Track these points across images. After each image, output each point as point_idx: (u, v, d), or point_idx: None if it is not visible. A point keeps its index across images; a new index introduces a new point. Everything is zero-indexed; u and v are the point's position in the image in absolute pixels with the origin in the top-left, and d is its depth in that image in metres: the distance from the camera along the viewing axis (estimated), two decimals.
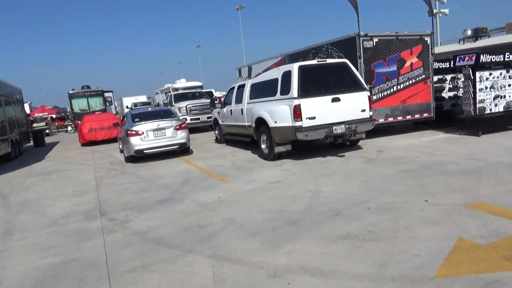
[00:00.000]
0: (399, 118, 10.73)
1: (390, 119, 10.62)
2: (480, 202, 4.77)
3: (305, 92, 8.08)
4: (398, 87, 10.70)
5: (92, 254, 4.23)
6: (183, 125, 10.64)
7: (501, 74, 10.22)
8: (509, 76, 10.35)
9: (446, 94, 12.02)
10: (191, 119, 16.55)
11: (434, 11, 33.13)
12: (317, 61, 8.84)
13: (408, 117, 10.84)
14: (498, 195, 4.96)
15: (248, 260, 3.71)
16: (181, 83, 31.69)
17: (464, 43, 29.77)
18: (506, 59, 10.20)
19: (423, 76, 11.00)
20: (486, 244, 3.60)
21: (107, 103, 29.33)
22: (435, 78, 11.60)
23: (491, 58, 9.99)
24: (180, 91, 22.70)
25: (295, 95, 8.02)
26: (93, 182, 8.35)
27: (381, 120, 10.48)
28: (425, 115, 11.02)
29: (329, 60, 9.13)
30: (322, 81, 8.53)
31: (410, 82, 10.83)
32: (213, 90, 25.90)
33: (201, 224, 4.89)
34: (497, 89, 10.16)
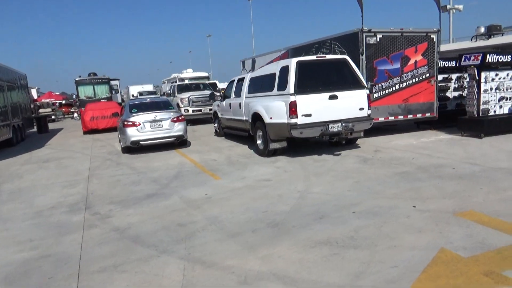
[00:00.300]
0: (400, 117, 10.50)
1: (391, 118, 10.40)
2: (469, 210, 4.61)
3: (302, 88, 7.92)
4: (401, 85, 10.45)
5: (68, 250, 4.18)
6: (180, 117, 10.55)
7: (508, 75, 9.92)
8: None
9: (450, 94, 11.72)
10: (193, 111, 16.48)
11: (448, 6, 32.45)
12: (316, 57, 8.64)
13: (410, 116, 10.60)
14: (490, 203, 4.79)
15: (221, 263, 3.62)
16: (188, 73, 31.58)
17: (476, 41, 29.10)
18: None
19: (427, 74, 10.72)
20: (468, 257, 3.46)
21: (113, 91, 29.32)
22: (440, 77, 11.31)
23: (498, 58, 9.68)
24: (183, 82, 22.59)
25: (292, 91, 7.86)
26: (87, 172, 8.33)
27: (382, 119, 10.27)
28: (428, 115, 10.76)
29: (328, 56, 8.92)
30: (321, 77, 8.34)
31: (414, 80, 10.57)
32: (217, 82, 25.73)
33: (182, 222, 4.81)
34: (503, 90, 9.87)
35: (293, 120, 7.82)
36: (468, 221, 4.28)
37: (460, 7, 32.44)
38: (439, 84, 11.20)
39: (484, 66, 9.58)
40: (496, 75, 9.78)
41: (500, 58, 9.71)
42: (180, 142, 10.73)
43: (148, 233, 4.51)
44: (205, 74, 30.55)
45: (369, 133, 10.06)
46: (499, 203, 4.78)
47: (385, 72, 10.29)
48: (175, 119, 10.38)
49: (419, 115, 10.69)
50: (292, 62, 8.17)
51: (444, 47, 29.87)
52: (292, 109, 7.82)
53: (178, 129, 10.37)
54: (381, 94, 10.26)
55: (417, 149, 8.40)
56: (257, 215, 4.89)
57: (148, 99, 12.16)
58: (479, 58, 9.52)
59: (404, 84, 10.49)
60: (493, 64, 9.69)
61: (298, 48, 13.15)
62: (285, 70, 8.29)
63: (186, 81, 24.15)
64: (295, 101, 7.80)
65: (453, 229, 4.10)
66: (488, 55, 9.51)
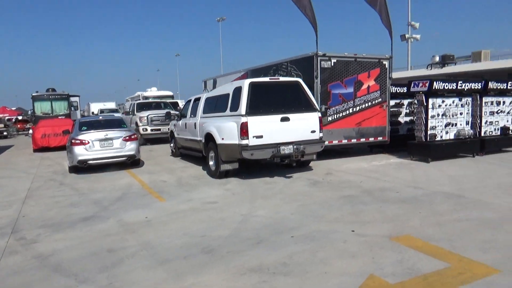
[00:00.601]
0: (354, 140, 10.70)
1: (345, 141, 10.57)
2: (405, 234, 4.64)
3: (254, 109, 7.90)
4: (354, 109, 10.69)
5: None
6: (133, 136, 10.24)
7: (453, 102, 10.38)
8: (461, 105, 10.54)
9: (402, 119, 12.13)
10: (151, 130, 16.13)
11: (406, 36, 34.18)
12: (270, 79, 8.70)
13: (363, 140, 10.82)
14: (425, 227, 4.85)
15: None
16: (152, 92, 31.20)
17: (431, 69, 30.75)
18: (459, 87, 10.38)
19: (380, 99, 11.05)
20: (395, 283, 3.42)
21: (73, 108, 28.38)
22: (393, 102, 11.71)
23: (444, 86, 10.13)
24: (144, 100, 22.22)
25: (243, 112, 7.83)
26: (24, 193, 7.82)
27: (336, 142, 10.42)
28: (380, 138, 11.04)
29: (281, 78, 9.02)
30: (273, 99, 8.38)
31: (366, 105, 10.86)
32: (178, 101, 25.51)
33: (113, 248, 4.53)
34: (449, 116, 10.30)
35: (244, 141, 7.76)
36: (402, 246, 4.29)
37: (418, 36, 34.18)
38: (391, 109, 11.57)
39: (431, 93, 10.00)
40: (443, 101, 10.22)
41: (446, 86, 10.17)
42: (132, 162, 10.38)
43: (72, 261, 4.21)
44: (169, 93, 30.29)
45: (323, 155, 10.15)
46: (434, 228, 4.85)
47: (339, 96, 10.51)
48: (127, 138, 10.06)
49: (371, 139, 10.94)
50: (245, 83, 8.17)
51: (402, 74, 31.34)
52: (243, 130, 7.76)
53: (130, 148, 10.04)
54: (335, 117, 10.44)
55: (367, 173, 8.52)
56: (194, 240, 4.70)
57: (100, 117, 11.79)
58: (427, 84, 9.92)
59: (358, 108, 10.74)
60: (439, 91, 10.13)
61: (257, 70, 13.27)
62: (238, 91, 8.27)
63: (150, 100, 23.77)
64: (246, 122, 7.76)
65: (386, 254, 4.08)
66: (435, 82, 9.93)
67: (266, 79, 8.78)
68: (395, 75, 29.34)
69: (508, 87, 11.28)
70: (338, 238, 4.58)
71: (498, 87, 11.10)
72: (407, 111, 12.21)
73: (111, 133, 9.94)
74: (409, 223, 5.04)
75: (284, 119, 8.08)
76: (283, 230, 4.92)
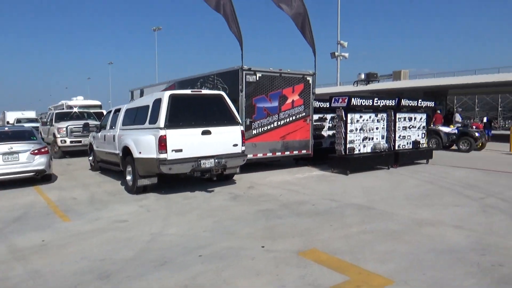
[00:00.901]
0: (278, 153, 10.84)
1: (270, 154, 10.67)
2: (312, 248, 4.68)
3: (173, 122, 7.65)
4: (279, 123, 10.87)
5: None
6: (43, 150, 9.39)
7: (370, 117, 11.00)
8: (377, 120, 11.20)
9: (325, 133, 12.59)
10: (71, 142, 15.02)
11: (336, 53, 36.07)
12: (191, 91, 8.52)
13: (287, 153, 11.02)
14: (333, 240, 4.94)
15: None
16: (78, 101, 29.27)
17: (357, 85, 32.65)
18: (375, 104, 11.04)
19: (304, 114, 11.36)
20: None
21: None
22: (316, 117, 12.11)
23: (361, 102, 10.70)
24: (63, 110, 20.79)
25: (162, 125, 7.54)
26: None
27: (260, 155, 10.47)
28: (304, 151, 11.32)
29: (204, 91, 8.89)
30: (195, 112, 8.20)
31: (291, 118, 11.10)
32: (104, 111, 24.26)
33: None
34: (366, 131, 10.88)
35: (163, 156, 7.46)
36: (308, 260, 4.30)
37: (346, 54, 36.27)
38: (315, 123, 11.96)
39: (350, 108, 10.50)
40: (361, 117, 10.78)
41: (363, 102, 10.75)
42: (42, 177, 9.50)
43: None
44: (97, 102, 28.64)
45: (249, 168, 10.15)
46: (341, 240, 4.96)
47: (264, 110, 10.62)
48: (36, 151, 9.19)
49: (296, 152, 11.17)
50: (165, 95, 7.91)
51: (332, 89, 32.86)
52: (162, 144, 7.47)
53: (39, 162, 9.17)
54: (260, 130, 10.51)
55: (288, 185, 8.63)
56: (92, 265, 4.31)
57: (6, 128, 10.69)
58: (346, 100, 10.41)
59: (282, 122, 10.93)
60: (357, 107, 10.68)
61: (184, 81, 13.03)
62: (157, 103, 7.98)
63: (75, 109, 22.25)
64: (165, 136, 7.47)
65: (291, 270, 4.05)
66: (353, 99, 10.45)
67: (188, 91, 8.59)
68: (325, 90, 30.81)
69: (419, 104, 12.26)
70: (247, 255, 4.48)
71: (410, 104, 12.01)
72: (330, 125, 12.70)
73: (17, 146, 9.02)
74: (318, 237, 5.11)
75: (205, 133, 7.93)
76: (192, 249, 4.72)
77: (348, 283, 3.77)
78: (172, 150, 7.54)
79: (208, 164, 7.85)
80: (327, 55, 37.46)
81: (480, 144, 15.98)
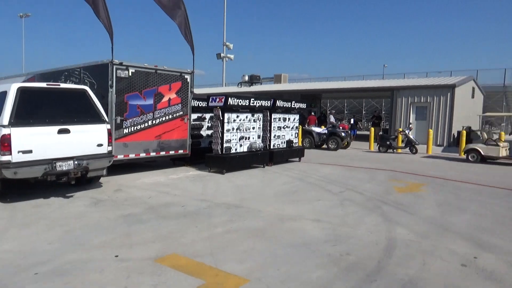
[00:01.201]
0: (153, 154, 10.30)
1: (143, 155, 10.06)
2: (172, 253, 4.42)
3: (21, 119, 6.59)
4: (154, 121, 10.33)
5: None
6: None
7: (247, 117, 11.22)
8: (254, 120, 11.50)
9: (204, 132, 12.48)
10: None
11: (222, 55, 36.47)
12: (47, 84, 7.47)
13: (163, 153, 10.55)
14: (195, 243, 4.76)
15: None
16: None
17: (241, 87, 33.57)
18: (251, 104, 11.30)
19: (181, 112, 11.02)
20: None
21: None
22: (195, 116, 11.90)
23: (238, 102, 10.84)
24: None
25: (5, 122, 6.43)
26: None
27: (132, 156, 9.79)
28: (181, 151, 10.98)
29: (63, 85, 7.89)
30: (50, 108, 7.20)
31: (167, 117, 10.65)
32: None
33: None
34: (243, 130, 11.07)
35: (6, 158, 6.36)
36: (164, 267, 4.03)
37: (232, 56, 36.93)
38: (194, 123, 11.73)
39: (227, 108, 10.55)
40: (237, 116, 10.91)
41: (240, 102, 10.91)
42: None
43: None
44: None
45: (119, 170, 9.42)
46: (204, 242, 4.81)
47: (137, 107, 9.97)
48: None
49: (172, 152, 10.77)
50: (12, 88, 6.78)
51: (217, 90, 33.11)
52: (5, 144, 6.36)
53: None
54: (132, 129, 9.83)
55: (160, 187, 8.21)
56: None
57: None
58: (223, 100, 10.42)
59: (158, 120, 10.42)
60: (234, 107, 10.79)
61: (46, 74, 11.53)
62: (2, 97, 6.79)
63: None
64: (8, 135, 6.38)
65: (143, 279, 3.73)
66: (230, 98, 10.51)
67: (43, 84, 7.51)
68: (211, 90, 30.91)
69: (292, 106, 12.99)
70: (95, 268, 3.99)
71: (284, 106, 12.63)
72: (209, 124, 12.62)
73: None
74: (181, 240, 4.88)
75: (63, 131, 7.03)
76: (28, 266, 4.02)
77: (203, 287, 3.61)
78: (19, 151, 6.49)
79: (65, 166, 6.98)
80: (214, 56, 37.60)
81: (346, 143, 17.80)
